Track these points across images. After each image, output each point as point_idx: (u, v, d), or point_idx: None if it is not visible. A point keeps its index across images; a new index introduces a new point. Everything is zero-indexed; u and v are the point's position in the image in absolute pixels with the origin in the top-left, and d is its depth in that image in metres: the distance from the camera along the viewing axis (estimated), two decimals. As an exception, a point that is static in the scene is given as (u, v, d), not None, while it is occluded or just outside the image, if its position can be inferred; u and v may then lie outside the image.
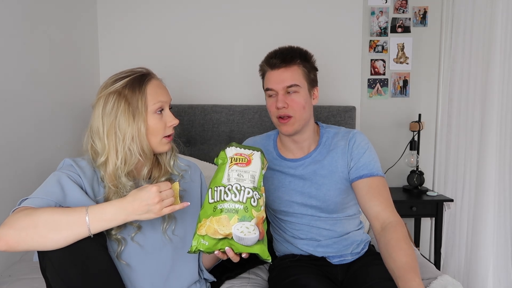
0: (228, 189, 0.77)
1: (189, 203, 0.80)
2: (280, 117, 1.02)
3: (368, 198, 0.99)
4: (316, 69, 1.08)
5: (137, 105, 0.82)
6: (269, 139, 1.16)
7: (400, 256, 0.88)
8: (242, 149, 0.81)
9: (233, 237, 0.75)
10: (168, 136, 0.88)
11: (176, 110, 1.73)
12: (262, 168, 0.81)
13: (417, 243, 1.93)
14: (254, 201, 0.77)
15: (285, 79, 1.01)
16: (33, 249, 0.72)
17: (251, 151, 0.82)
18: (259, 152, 0.82)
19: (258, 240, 0.76)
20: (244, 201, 0.76)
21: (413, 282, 0.82)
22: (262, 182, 0.81)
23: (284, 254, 1.14)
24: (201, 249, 0.76)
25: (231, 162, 0.79)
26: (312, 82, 1.06)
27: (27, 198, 0.77)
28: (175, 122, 0.88)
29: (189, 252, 0.77)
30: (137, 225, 0.85)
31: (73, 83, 1.61)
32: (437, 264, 1.85)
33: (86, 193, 0.82)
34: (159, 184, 0.76)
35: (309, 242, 1.08)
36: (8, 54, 1.24)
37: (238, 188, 0.76)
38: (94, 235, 0.74)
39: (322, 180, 1.06)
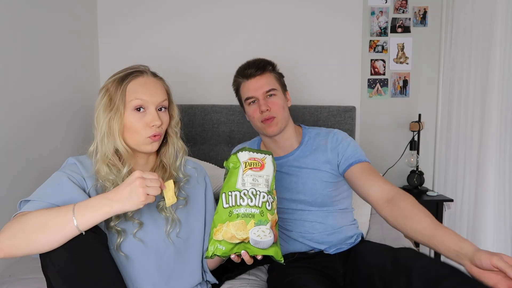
0: (244, 194, 0.77)
1: (175, 200, 0.79)
2: (265, 120, 1.10)
3: (365, 179, 1.04)
4: (283, 76, 1.18)
5: (115, 101, 0.82)
6: (254, 144, 1.23)
7: (422, 217, 0.89)
8: (255, 153, 0.82)
9: (250, 241, 0.76)
10: (154, 136, 0.85)
11: None
12: (274, 171, 0.82)
13: (417, 243, 1.90)
14: (268, 205, 0.78)
15: (263, 85, 1.10)
16: (29, 254, 0.72)
17: (263, 155, 0.82)
18: (270, 156, 0.83)
19: (273, 243, 0.77)
20: (260, 205, 0.77)
21: (450, 236, 0.82)
22: (274, 185, 0.82)
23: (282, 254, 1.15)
24: (217, 254, 0.76)
25: (245, 167, 0.80)
26: (284, 86, 1.16)
27: (27, 201, 0.78)
28: (156, 123, 0.83)
29: (205, 257, 0.78)
30: (138, 221, 0.84)
31: (72, 83, 1.61)
32: (437, 263, 1.85)
33: (89, 192, 0.82)
34: (144, 171, 0.75)
35: (303, 235, 1.10)
36: (6, 54, 1.24)
37: (254, 192, 0.77)
38: (94, 233, 0.74)
39: (307, 175, 1.10)
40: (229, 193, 0.78)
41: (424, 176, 1.94)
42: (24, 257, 1.22)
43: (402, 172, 1.98)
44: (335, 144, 1.11)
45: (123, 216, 0.83)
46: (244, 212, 0.76)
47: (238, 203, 0.77)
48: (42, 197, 0.78)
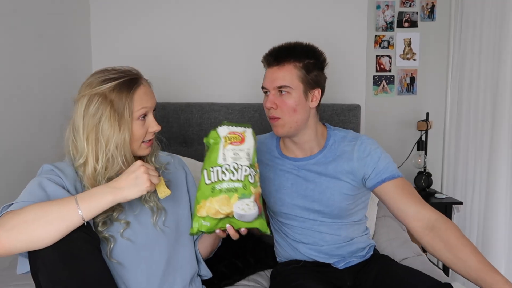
0: (226, 169, 0.77)
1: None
2: (270, 118, 1.02)
3: (400, 200, 0.98)
4: (321, 69, 1.03)
5: (123, 112, 0.81)
6: (272, 138, 1.14)
7: (468, 255, 0.88)
8: (234, 127, 0.82)
9: (234, 215, 0.76)
10: (148, 141, 0.88)
11: (173, 108, 1.72)
12: (255, 144, 0.83)
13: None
14: (251, 178, 0.78)
15: (276, 79, 0.99)
16: (28, 247, 0.71)
17: (243, 128, 0.83)
18: (250, 129, 0.83)
19: (258, 215, 0.78)
20: (242, 179, 0.77)
21: (499, 283, 0.84)
22: (256, 158, 0.82)
23: (287, 260, 1.11)
24: (202, 230, 0.78)
25: (225, 142, 0.80)
26: (311, 84, 1.01)
27: (10, 205, 0.76)
28: (157, 128, 0.87)
29: (190, 234, 0.79)
30: (124, 221, 0.84)
31: (64, 81, 1.58)
32: (446, 270, 1.78)
33: (69, 192, 0.81)
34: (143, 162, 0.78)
35: (312, 247, 1.06)
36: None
37: (236, 167, 0.78)
38: (87, 235, 0.74)
39: (326, 184, 1.03)
40: (211, 169, 0.78)
41: (432, 177, 1.89)
42: (13, 262, 1.19)
43: (409, 174, 1.93)
44: (363, 155, 1.02)
45: (110, 222, 0.83)
46: (227, 187, 0.76)
47: (220, 179, 0.77)
48: (26, 198, 0.76)
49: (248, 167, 0.78)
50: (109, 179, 0.81)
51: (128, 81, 0.83)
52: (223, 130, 0.81)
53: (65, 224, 0.70)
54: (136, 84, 0.84)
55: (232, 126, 0.82)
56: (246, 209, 0.76)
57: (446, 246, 0.90)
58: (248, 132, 0.82)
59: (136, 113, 0.83)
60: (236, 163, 0.78)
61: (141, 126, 0.84)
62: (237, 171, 0.77)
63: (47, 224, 0.69)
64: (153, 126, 0.86)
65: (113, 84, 0.81)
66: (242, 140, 0.80)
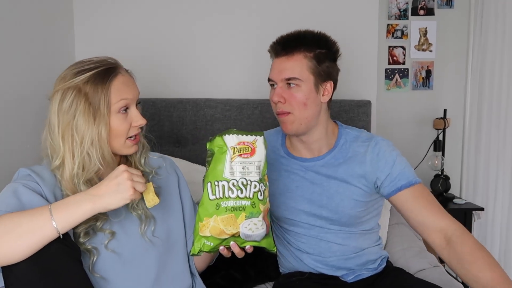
0: (233, 185, 0.74)
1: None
2: (278, 113, 0.97)
3: (419, 211, 0.95)
4: (333, 60, 0.99)
5: (98, 106, 0.78)
6: (278, 134, 1.10)
7: (483, 270, 0.86)
8: (244, 135, 0.77)
9: (241, 235, 0.74)
10: (134, 137, 0.84)
11: (164, 105, 1.61)
12: (266, 153, 0.79)
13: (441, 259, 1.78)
14: (260, 195, 0.75)
15: (283, 70, 0.95)
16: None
17: (253, 137, 0.78)
18: (262, 137, 0.79)
19: (265, 234, 0.76)
20: (251, 196, 0.74)
21: None
22: (266, 170, 0.79)
23: (290, 271, 1.07)
24: (205, 250, 0.76)
25: (233, 153, 0.76)
26: (323, 76, 0.97)
27: None
28: (142, 122, 0.83)
29: (191, 255, 0.77)
30: (109, 231, 0.81)
31: (45, 77, 1.50)
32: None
33: (48, 200, 0.78)
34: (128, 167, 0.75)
35: (317, 258, 1.02)
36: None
37: (244, 183, 0.74)
38: (67, 247, 0.71)
39: (335, 188, 0.99)
40: (216, 183, 0.74)
41: (450, 181, 1.84)
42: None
43: (425, 177, 1.85)
44: (376, 157, 0.97)
45: (92, 232, 0.79)
46: (234, 205, 0.73)
47: (226, 195, 0.74)
48: None
49: (257, 182, 0.75)
50: (88, 182, 0.79)
51: (104, 71, 0.79)
52: (231, 140, 0.76)
53: (38, 237, 0.67)
54: (113, 74, 0.80)
55: (241, 134, 0.77)
56: (253, 229, 0.73)
57: (460, 261, 0.88)
58: (259, 141, 0.77)
59: (115, 105, 0.79)
60: (244, 179, 0.74)
61: (123, 120, 0.81)
62: (245, 188, 0.73)
63: (17, 237, 0.67)
64: (137, 120, 0.82)
65: (87, 76, 0.78)
66: (252, 152, 0.75)
